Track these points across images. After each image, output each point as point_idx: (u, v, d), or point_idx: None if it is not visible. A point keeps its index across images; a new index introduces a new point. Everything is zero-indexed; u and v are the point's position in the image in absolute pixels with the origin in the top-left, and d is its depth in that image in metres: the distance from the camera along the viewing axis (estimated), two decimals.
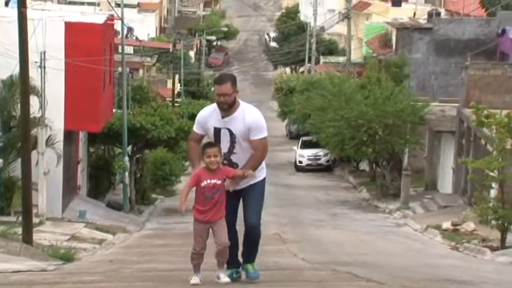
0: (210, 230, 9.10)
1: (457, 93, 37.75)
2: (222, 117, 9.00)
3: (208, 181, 8.93)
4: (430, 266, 14.03)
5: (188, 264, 9.30)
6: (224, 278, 9.13)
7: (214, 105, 9.11)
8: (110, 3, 38.69)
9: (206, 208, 9.00)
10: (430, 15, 52.88)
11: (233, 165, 9.04)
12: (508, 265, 16.60)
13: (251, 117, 8.97)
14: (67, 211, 28.30)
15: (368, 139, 36.90)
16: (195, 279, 9.13)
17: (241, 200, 9.26)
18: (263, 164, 9.16)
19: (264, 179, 9.23)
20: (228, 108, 8.91)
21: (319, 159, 49.30)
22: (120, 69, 35.87)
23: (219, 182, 8.95)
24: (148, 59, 59.95)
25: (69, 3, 63.75)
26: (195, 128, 9.30)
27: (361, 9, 69.65)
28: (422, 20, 53.17)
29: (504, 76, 33.30)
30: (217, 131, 9.02)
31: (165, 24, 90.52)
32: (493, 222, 20.90)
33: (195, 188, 9.13)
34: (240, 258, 9.47)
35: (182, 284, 9.48)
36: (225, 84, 8.88)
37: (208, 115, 9.12)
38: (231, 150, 9.00)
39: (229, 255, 9.21)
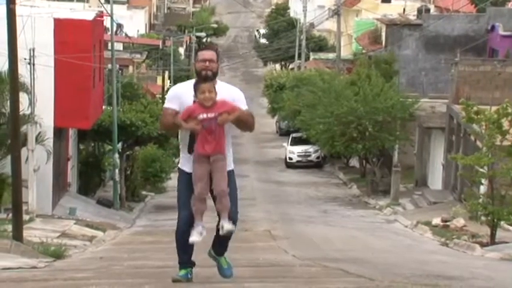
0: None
1: (447, 90, 37.82)
2: None
3: (205, 115, 8.41)
4: (420, 262, 14.06)
5: (177, 262, 9.26)
6: (228, 225, 8.45)
7: (190, 83, 8.57)
8: None
9: (204, 139, 8.43)
10: (419, 11, 52.96)
11: None
12: (497, 261, 16.65)
13: (232, 89, 8.62)
14: (57, 208, 28.26)
15: (358, 135, 36.95)
16: (194, 236, 8.45)
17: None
18: (231, 156, 8.69)
19: (233, 170, 8.73)
20: (212, 76, 8.41)
21: (309, 155, 49.33)
22: (109, 66, 35.80)
23: (216, 115, 8.42)
24: (138, 56, 59.88)
25: None
26: (169, 104, 8.54)
27: (350, 6, 69.73)
28: (412, 16, 53.22)
29: (493, 72, 33.37)
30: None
31: (154, 20, 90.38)
32: (483, 218, 20.96)
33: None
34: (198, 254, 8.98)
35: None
36: (211, 51, 8.52)
37: (184, 91, 8.57)
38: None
39: (185, 252, 8.71)
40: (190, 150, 8.58)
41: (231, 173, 8.66)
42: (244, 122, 8.55)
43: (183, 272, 8.75)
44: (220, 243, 8.85)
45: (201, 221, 8.49)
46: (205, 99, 8.39)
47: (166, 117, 8.56)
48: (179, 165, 8.83)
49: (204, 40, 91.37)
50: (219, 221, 8.63)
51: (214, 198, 8.61)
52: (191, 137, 8.54)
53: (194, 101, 8.49)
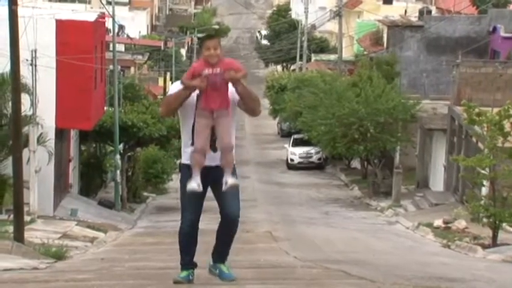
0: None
1: (448, 91, 37.81)
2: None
3: (210, 70, 8.20)
4: (421, 264, 14.05)
5: (179, 263, 9.26)
6: (232, 179, 8.31)
7: None
8: (101, 1, 38.63)
9: (209, 96, 8.23)
10: (421, 13, 52.97)
11: (214, 134, 8.45)
12: (499, 263, 16.64)
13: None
14: (58, 209, 28.26)
15: (359, 137, 36.93)
16: (193, 184, 8.28)
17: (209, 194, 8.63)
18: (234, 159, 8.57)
19: (235, 173, 8.61)
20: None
21: (311, 157, 49.32)
22: (111, 67, 35.81)
23: (222, 71, 8.25)
24: (140, 57, 59.90)
25: (60, 0, 63.59)
26: (173, 90, 8.51)
27: (352, 7, 69.74)
28: (414, 17, 53.24)
29: (495, 74, 33.36)
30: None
31: (156, 22, 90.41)
32: (485, 220, 20.94)
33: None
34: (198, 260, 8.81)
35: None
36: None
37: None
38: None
39: (187, 253, 8.63)
40: (194, 142, 8.42)
41: (233, 167, 8.53)
42: (249, 94, 8.39)
43: (184, 273, 8.69)
44: (222, 243, 8.64)
45: (199, 173, 8.32)
46: (211, 55, 8.25)
47: (169, 95, 8.51)
48: (182, 161, 8.63)
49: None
50: (219, 227, 8.56)
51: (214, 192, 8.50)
52: (194, 127, 8.41)
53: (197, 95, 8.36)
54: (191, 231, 8.54)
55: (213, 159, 8.43)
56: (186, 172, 8.51)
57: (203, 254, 9.01)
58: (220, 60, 8.27)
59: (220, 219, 8.57)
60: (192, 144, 8.40)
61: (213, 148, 8.40)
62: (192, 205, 8.49)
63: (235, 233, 8.63)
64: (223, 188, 8.33)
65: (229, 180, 8.32)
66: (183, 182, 8.52)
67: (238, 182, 8.44)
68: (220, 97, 8.26)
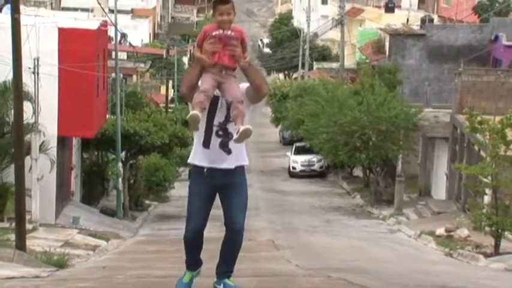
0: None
1: (450, 100, 37.81)
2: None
3: (220, 31, 7.99)
4: (423, 273, 14.03)
5: (181, 271, 9.24)
6: (244, 127, 7.95)
7: None
8: (103, 9, 38.69)
9: (218, 52, 7.96)
10: (423, 21, 53.04)
11: (229, 135, 8.11)
12: (501, 271, 16.61)
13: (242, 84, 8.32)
14: (60, 217, 28.25)
15: (361, 145, 36.93)
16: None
17: (217, 201, 8.38)
18: (244, 148, 8.32)
19: (246, 180, 8.38)
20: (229, 26, 8.07)
21: (313, 165, 49.31)
22: (113, 75, 35.85)
23: (232, 33, 8.03)
24: (142, 65, 59.98)
25: (63, 9, 63.78)
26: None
27: (354, 16, 69.80)
28: (416, 26, 53.30)
29: (497, 82, 33.37)
30: (215, 100, 8.14)
31: (158, 30, 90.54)
32: (487, 228, 20.93)
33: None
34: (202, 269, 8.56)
35: None
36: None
37: None
38: (227, 118, 8.10)
39: (192, 255, 8.44)
40: (206, 143, 8.13)
41: (246, 182, 8.31)
42: (253, 69, 8.15)
43: (187, 277, 8.51)
44: (226, 257, 8.34)
45: (200, 113, 7.97)
46: (223, 21, 8.04)
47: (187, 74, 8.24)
48: (189, 160, 8.29)
49: None
50: (224, 239, 8.32)
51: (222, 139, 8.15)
52: (207, 131, 8.12)
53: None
54: (195, 239, 8.33)
55: (223, 160, 8.12)
56: (195, 173, 8.29)
57: (207, 262, 8.92)
58: (232, 27, 8.05)
59: (225, 232, 8.31)
60: (204, 145, 8.15)
61: (227, 150, 8.13)
62: (197, 213, 8.26)
63: (240, 246, 8.34)
64: (235, 136, 8.03)
65: (241, 127, 8.00)
66: (192, 187, 8.29)
67: (251, 128, 8.04)
68: (231, 55, 8.02)
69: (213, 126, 8.10)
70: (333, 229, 29.72)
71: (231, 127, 8.08)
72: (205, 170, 8.17)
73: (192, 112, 7.99)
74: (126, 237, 26.66)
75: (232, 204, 8.21)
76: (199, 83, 8.09)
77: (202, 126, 8.14)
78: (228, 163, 8.15)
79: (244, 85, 8.22)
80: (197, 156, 8.22)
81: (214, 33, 8.01)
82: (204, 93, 8.01)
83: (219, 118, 8.10)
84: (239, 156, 8.21)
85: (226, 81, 8.08)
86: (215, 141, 8.10)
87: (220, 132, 8.11)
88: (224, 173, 8.17)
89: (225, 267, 8.39)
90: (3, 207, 25.31)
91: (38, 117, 25.91)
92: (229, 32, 8.00)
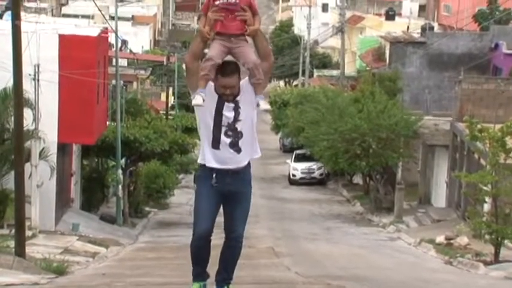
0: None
1: (451, 107, 37.83)
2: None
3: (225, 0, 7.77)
4: (423, 280, 14.01)
5: (181, 278, 9.23)
6: (263, 103, 7.88)
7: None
8: (104, 16, 38.73)
9: (224, 19, 7.75)
10: (423, 29, 53.05)
11: (238, 134, 7.91)
12: (501, 280, 16.59)
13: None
14: (60, 224, 28.23)
15: (362, 153, 36.92)
16: (197, 99, 7.76)
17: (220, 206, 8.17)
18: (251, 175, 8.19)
19: (251, 188, 8.23)
20: (232, 99, 7.91)
21: (313, 172, 49.29)
22: (114, 82, 35.86)
23: (237, 1, 7.75)
24: (142, 72, 59.96)
25: (63, 16, 63.81)
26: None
27: (354, 23, 69.87)
28: (416, 34, 53.32)
29: (497, 90, 33.39)
30: (221, 102, 7.90)
31: (159, 37, 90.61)
32: (487, 236, 20.90)
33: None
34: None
35: None
36: (234, 76, 7.88)
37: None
38: (236, 118, 7.91)
39: (200, 265, 8.18)
40: (215, 144, 7.92)
41: (250, 191, 8.16)
42: (262, 35, 7.99)
43: (196, 286, 8.28)
44: (225, 264, 8.22)
45: (205, 86, 7.81)
46: None
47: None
48: (199, 160, 8.08)
49: None
50: (224, 245, 8.18)
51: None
52: (215, 131, 7.91)
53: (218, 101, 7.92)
54: (202, 244, 8.09)
55: (234, 160, 7.93)
56: (202, 174, 8.09)
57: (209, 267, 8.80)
58: None
59: (224, 240, 8.20)
60: (213, 146, 7.95)
61: (237, 148, 7.93)
62: (206, 217, 8.03)
63: (240, 253, 8.24)
64: (254, 104, 7.90)
65: (261, 103, 7.93)
66: (200, 190, 8.09)
67: (264, 98, 7.88)
68: (238, 21, 7.80)
69: (222, 126, 7.90)
70: (332, 236, 29.70)
71: (240, 126, 7.91)
72: (214, 174, 7.98)
73: (196, 100, 7.80)
74: (125, 244, 26.63)
75: (235, 212, 8.10)
76: (207, 50, 7.90)
77: (210, 126, 7.96)
78: (239, 162, 7.98)
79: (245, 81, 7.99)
80: (207, 157, 8.01)
81: (217, 2, 7.79)
82: (210, 61, 7.80)
83: (227, 118, 7.91)
84: (250, 151, 8.04)
85: (238, 46, 7.87)
86: (224, 141, 7.91)
87: (230, 132, 7.93)
88: (233, 174, 7.99)
89: (225, 275, 8.28)
90: (3, 213, 25.29)
91: (38, 124, 25.91)
92: (233, 0, 7.76)
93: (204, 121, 7.99)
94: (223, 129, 7.93)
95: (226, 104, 7.90)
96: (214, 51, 7.85)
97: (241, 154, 7.97)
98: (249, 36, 7.94)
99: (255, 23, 7.91)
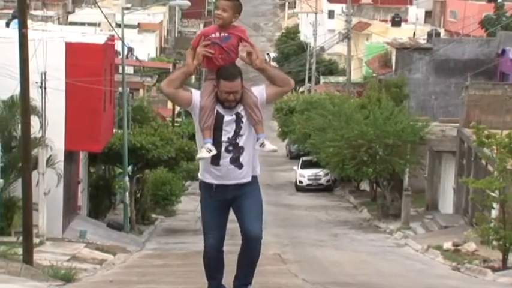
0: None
1: (457, 113, 37.77)
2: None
3: (218, 34, 7.54)
4: (431, 287, 13.98)
5: (188, 285, 9.23)
6: (268, 143, 7.71)
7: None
8: (110, 23, 38.78)
9: (215, 58, 7.56)
10: (429, 35, 53.04)
11: (240, 149, 7.69)
12: (509, 286, 16.56)
13: (256, 87, 7.89)
14: (67, 231, 28.25)
15: (368, 159, 36.88)
16: (203, 153, 7.56)
17: (231, 210, 7.99)
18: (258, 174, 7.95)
19: (259, 187, 8.00)
20: (235, 105, 7.68)
21: (320, 179, 49.26)
22: (120, 89, 35.90)
23: (230, 35, 7.52)
24: (149, 79, 60.04)
25: (70, 23, 63.98)
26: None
27: (361, 30, 69.91)
28: (422, 40, 53.33)
29: (504, 96, 33.33)
30: (220, 117, 7.67)
31: (165, 44, 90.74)
32: (495, 242, 20.87)
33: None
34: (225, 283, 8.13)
35: None
36: (237, 81, 7.60)
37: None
38: (237, 132, 7.68)
39: (213, 278, 7.89)
40: (216, 161, 7.68)
41: (259, 189, 7.93)
42: (274, 70, 7.78)
43: None
44: (244, 268, 7.93)
45: (210, 136, 7.59)
46: (216, 16, 7.54)
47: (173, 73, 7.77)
48: (199, 175, 7.89)
49: None
50: (240, 250, 7.92)
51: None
52: (215, 148, 7.63)
53: (218, 112, 7.68)
54: (215, 255, 7.89)
55: (234, 175, 7.74)
56: (204, 188, 7.91)
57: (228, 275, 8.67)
58: (229, 25, 7.57)
59: (241, 242, 7.90)
60: (213, 162, 7.73)
61: (238, 164, 7.73)
62: (213, 228, 7.86)
63: (258, 255, 7.90)
64: (257, 145, 7.69)
65: (266, 144, 7.69)
66: (203, 202, 7.90)
67: (276, 148, 7.71)
68: (228, 58, 7.58)
69: (222, 142, 7.67)
70: (340, 243, 29.66)
71: (241, 141, 7.69)
72: (214, 186, 7.81)
73: (201, 154, 7.59)
74: (132, 251, 26.64)
75: (245, 212, 7.79)
76: (201, 91, 7.69)
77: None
78: (240, 178, 7.78)
79: (258, 87, 7.85)
80: (206, 173, 7.80)
81: (212, 36, 7.59)
82: (206, 110, 7.60)
83: (227, 133, 7.68)
84: (251, 168, 7.83)
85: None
86: (225, 157, 7.70)
87: (230, 148, 7.70)
88: (235, 187, 7.81)
89: (243, 280, 7.97)
90: (10, 221, 25.32)
91: (45, 132, 25.94)
92: (226, 34, 7.54)
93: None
94: (224, 145, 7.70)
95: (225, 118, 7.65)
96: (208, 98, 7.60)
97: (242, 169, 7.77)
98: (258, 70, 7.70)
99: (258, 55, 7.65)
